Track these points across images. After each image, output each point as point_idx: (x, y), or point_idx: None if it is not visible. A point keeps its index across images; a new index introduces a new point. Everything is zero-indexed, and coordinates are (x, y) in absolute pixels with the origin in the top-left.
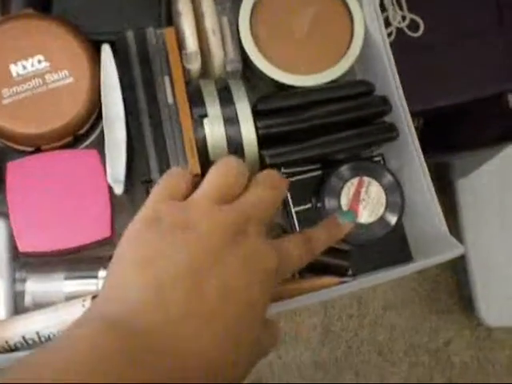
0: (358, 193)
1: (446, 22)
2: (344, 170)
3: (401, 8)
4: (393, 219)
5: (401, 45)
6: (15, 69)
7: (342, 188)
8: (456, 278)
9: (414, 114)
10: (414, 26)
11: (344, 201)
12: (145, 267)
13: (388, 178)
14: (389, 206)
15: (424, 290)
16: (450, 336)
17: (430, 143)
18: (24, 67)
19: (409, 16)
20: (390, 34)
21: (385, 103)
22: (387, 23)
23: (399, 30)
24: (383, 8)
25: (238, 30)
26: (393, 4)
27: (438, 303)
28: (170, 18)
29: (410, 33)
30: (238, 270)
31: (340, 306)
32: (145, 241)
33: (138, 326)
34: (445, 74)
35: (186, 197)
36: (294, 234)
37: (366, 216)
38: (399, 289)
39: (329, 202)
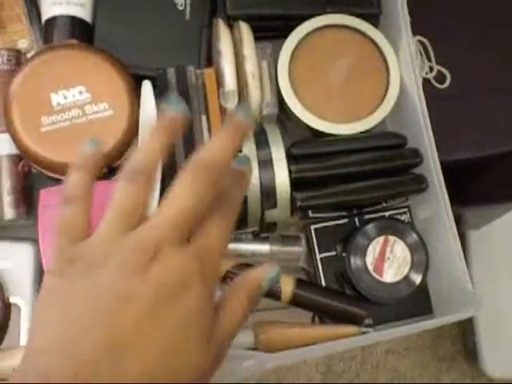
0: (383, 251)
1: (472, 75)
2: (370, 228)
3: (429, 59)
4: (417, 278)
5: (426, 95)
6: (56, 98)
7: (367, 246)
8: (461, 325)
9: None
10: (440, 77)
11: (370, 259)
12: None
13: (413, 237)
14: (414, 266)
15: (428, 335)
16: (451, 382)
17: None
18: (65, 97)
19: (436, 67)
20: None
21: (416, 156)
22: None
23: (425, 81)
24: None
25: (276, 75)
26: (421, 55)
27: (441, 350)
28: (209, 57)
29: (436, 84)
30: (150, 304)
31: None
32: (56, 290)
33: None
34: (469, 127)
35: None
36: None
37: (391, 275)
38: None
39: (355, 261)
